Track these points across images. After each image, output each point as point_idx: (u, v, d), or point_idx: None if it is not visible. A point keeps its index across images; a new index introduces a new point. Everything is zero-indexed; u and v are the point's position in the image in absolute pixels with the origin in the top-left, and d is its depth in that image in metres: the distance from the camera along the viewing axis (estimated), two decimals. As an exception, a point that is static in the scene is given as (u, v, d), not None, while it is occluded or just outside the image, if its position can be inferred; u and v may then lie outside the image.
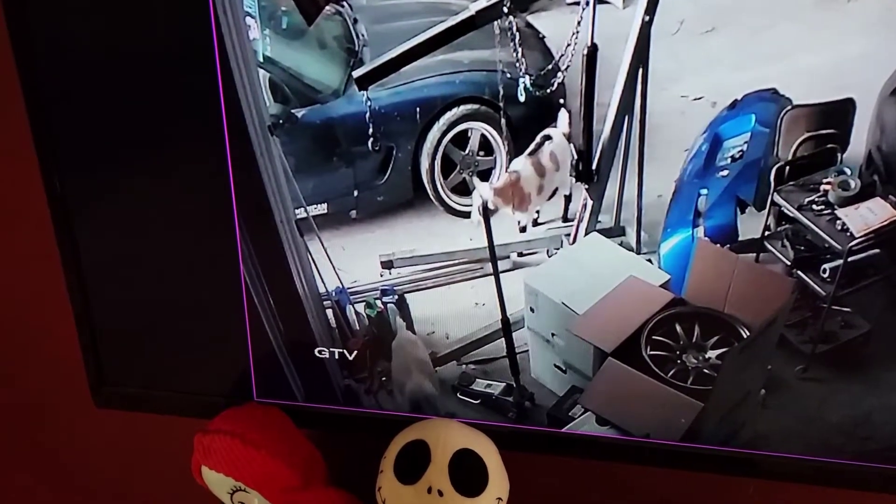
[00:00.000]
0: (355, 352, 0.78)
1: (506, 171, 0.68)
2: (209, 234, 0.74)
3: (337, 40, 0.66)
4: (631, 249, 0.70)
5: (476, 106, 0.66)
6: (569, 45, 0.62)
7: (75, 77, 0.70)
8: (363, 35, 0.65)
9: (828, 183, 0.65)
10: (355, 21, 0.65)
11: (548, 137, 0.66)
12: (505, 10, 0.62)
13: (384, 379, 0.79)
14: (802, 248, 0.67)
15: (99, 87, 0.70)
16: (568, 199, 0.69)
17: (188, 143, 0.71)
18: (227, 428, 0.72)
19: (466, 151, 0.69)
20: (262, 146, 0.69)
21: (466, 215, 0.71)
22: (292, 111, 0.68)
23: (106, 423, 0.91)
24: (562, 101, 0.65)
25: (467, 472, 0.67)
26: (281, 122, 0.68)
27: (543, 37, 0.63)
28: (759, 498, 0.83)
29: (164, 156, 0.73)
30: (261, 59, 0.66)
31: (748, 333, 0.70)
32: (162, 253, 0.77)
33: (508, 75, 0.64)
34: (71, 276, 0.79)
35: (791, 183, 0.65)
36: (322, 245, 0.73)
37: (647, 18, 0.60)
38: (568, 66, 0.63)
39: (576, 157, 0.66)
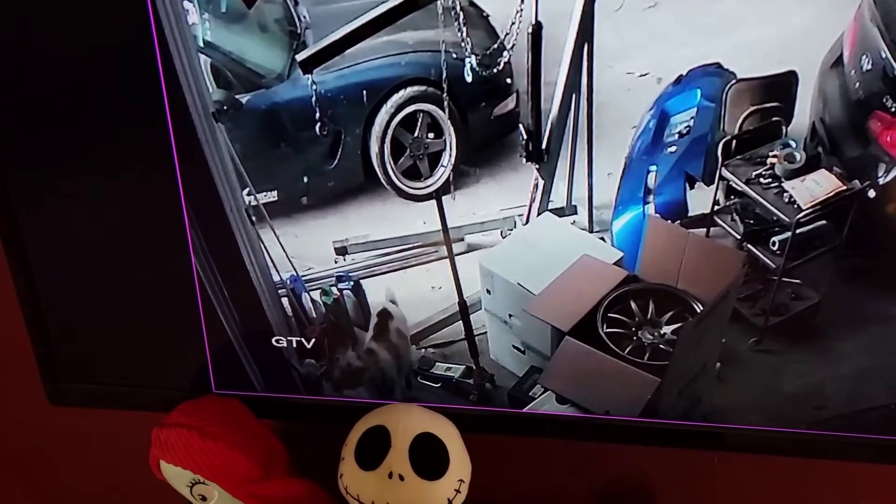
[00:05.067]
0: (313, 340, 0.77)
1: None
2: (158, 225, 0.73)
3: (278, 23, 0.65)
4: (583, 228, 0.70)
5: (423, 87, 0.65)
6: (513, 23, 0.62)
7: (9, 69, 0.68)
8: (305, 17, 0.64)
9: (774, 156, 0.66)
10: (296, 3, 0.64)
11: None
12: (447, -12, 0.61)
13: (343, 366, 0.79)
14: (751, 221, 0.68)
15: (35, 80, 0.68)
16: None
17: (131, 134, 0.69)
18: (184, 421, 0.71)
19: (416, 134, 0.69)
20: (206, 133, 0.67)
21: (419, 199, 0.70)
22: (236, 97, 0.66)
23: (62, 421, 0.90)
24: (509, 80, 0.65)
25: (428, 456, 0.67)
26: (225, 108, 0.66)
27: (487, 15, 0.63)
28: (723, 469, 0.85)
29: (108, 148, 0.71)
30: (201, 44, 0.64)
31: (702, 308, 0.71)
32: (111, 247, 0.75)
33: (454, 55, 0.64)
34: (18, 274, 0.77)
35: (738, 157, 0.66)
36: (274, 233, 0.72)
37: (590, -6, 0.60)
38: (514, 45, 0.63)
39: (525, 136, 0.66)
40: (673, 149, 0.66)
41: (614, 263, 0.71)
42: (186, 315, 0.77)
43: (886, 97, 0.60)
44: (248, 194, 0.70)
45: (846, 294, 0.69)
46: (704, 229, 0.69)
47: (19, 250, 0.76)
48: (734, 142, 0.65)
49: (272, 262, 0.73)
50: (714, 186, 0.67)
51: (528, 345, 0.75)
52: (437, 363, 0.77)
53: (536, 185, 0.69)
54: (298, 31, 0.65)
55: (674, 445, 0.78)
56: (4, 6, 0.65)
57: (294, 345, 0.78)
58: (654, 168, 0.67)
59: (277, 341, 0.78)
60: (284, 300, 0.75)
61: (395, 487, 0.66)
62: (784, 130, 0.64)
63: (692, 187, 0.68)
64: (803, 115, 0.63)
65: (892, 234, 0.66)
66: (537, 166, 0.68)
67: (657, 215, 0.68)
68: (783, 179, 0.66)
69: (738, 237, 0.69)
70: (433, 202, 0.70)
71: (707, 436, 0.77)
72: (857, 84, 0.61)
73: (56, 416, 0.87)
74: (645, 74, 0.63)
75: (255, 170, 0.69)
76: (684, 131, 0.66)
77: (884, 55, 0.59)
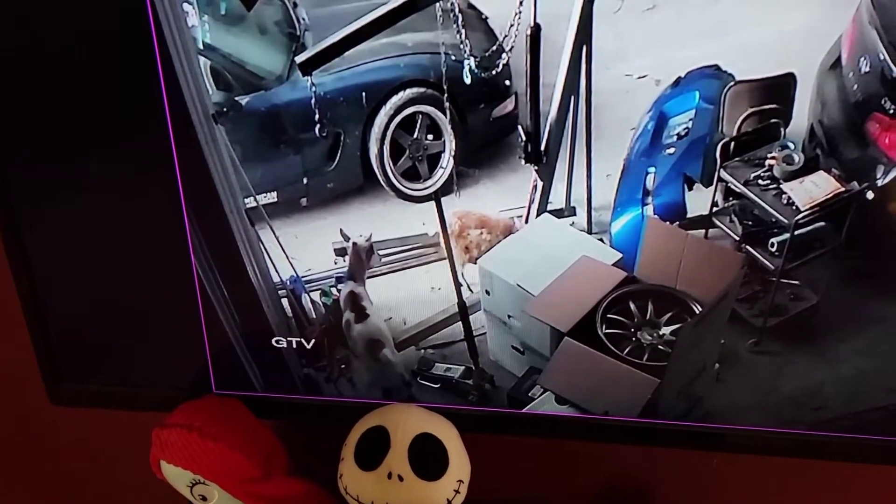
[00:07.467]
0: (313, 340, 0.78)
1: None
2: (158, 226, 0.73)
3: (278, 25, 0.65)
4: (582, 229, 0.70)
5: (422, 89, 0.66)
6: (512, 25, 0.62)
7: (11, 71, 0.68)
8: (304, 19, 0.64)
9: (772, 158, 0.66)
10: (295, 5, 0.64)
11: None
12: (446, -10, 0.61)
13: (343, 366, 0.79)
14: (750, 222, 0.68)
15: (37, 82, 0.69)
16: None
17: (132, 136, 0.70)
18: (184, 421, 0.71)
19: (415, 136, 0.69)
20: (206, 135, 0.67)
21: (418, 200, 0.70)
22: (236, 98, 0.66)
23: (63, 421, 0.90)
24: (507, 82, 0.65)
25: (427, 457, 0.67)
26: (225, 109, 0.67)
27: (486, 17, 0.63)
28: (724, 470, 0.85)
29: (108, 150, 0.71)
30: (200, 47, 0.64)
31: (700, 309, 0.71)
32: (112, 248, 0.76)
33: (453, 57, 0.64)
34: (20, 275, 0.77)
35: (736, 159, 0.66)
36: (274, 234, 0.72)
37: (588, -4, 0.60)
38: (512, 47, 0.63)
39: (524, 138, 0.66)
40: (671, 150, 0.66)
41: (613, 264, 0.71)
42: (187, 315, 0.77)
43: (885, 99, 0.60)
44: (248, 196, 0.70)
45: (845, 295, 0.69)
46: (703, 230, 0.69)
47: (21, 251, 0.76)
48: (733, 143, 0.65)
49: (272, 262, 0.74)
50: (713, 188, 0.67)
51: (528, 345, 0.75)
52: (436, 364, 0.78)
53: (535, 187, 0.69)
54: (298, 33, 0.65)
55: (673, 446, 0.78)
56: (5, 7, 0.65)
57: (294, 345, 0.78)
58: (652, 169, 0.67)
59: (277, 342, 0.78)
60: (284, 301, 0.76)
61: (395, 488, 0.66)
62: (782, 132, 0.64)
63: (691, 189, 0.68)
64: (802, 116, 0.63)
65: (890, 236, 0.66)
66: (536, 167, 0.68)
67: (656, 217, 0.68)
68: (782, 181, 0.66)
69: (737, 238, 0.69)
70: (432, 203, 0.70)
71: (706, 436, 0.77)
72: (856, 86, 0.61)
73: (57, 416, 0.87)
74: (643, 76, 0.63)
75: (255, 171, 0.69)
76: (683, 133, 0.66)
77: (882, 57, 0.59)
